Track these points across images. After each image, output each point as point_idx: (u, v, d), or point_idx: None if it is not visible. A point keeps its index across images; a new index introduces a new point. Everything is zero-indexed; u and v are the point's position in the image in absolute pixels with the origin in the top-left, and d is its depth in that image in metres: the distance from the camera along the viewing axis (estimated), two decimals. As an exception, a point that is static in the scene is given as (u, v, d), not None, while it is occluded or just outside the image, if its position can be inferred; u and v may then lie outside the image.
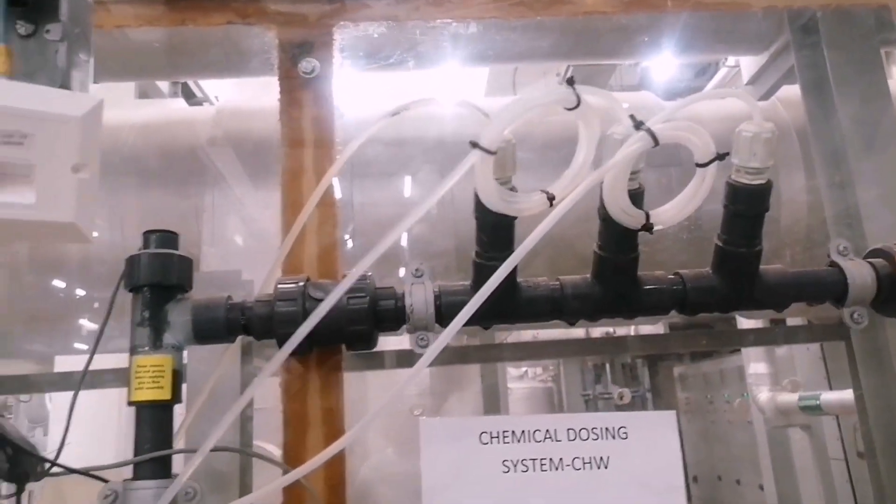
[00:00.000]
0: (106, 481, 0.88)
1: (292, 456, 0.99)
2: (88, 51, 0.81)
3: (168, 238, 0.95)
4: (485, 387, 4.08)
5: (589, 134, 0.83)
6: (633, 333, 4.86)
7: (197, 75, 1.63)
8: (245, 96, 2.30)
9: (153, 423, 0.89)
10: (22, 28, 0.80)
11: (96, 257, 2.07)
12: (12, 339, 2.10)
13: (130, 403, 0.90)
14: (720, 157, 0.85)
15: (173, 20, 1.10)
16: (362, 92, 1.61)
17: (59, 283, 2.02)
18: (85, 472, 0.89)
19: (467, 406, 4.59)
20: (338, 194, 1.14)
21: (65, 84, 0.75)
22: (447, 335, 0.84)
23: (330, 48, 1.13)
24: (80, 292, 2.08)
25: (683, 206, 0.88)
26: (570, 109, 0.80)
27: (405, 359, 2.84)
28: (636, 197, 0.87)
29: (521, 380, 7.89)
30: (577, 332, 5.51)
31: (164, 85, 3.24)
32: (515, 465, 0.99)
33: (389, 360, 1.57)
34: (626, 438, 1.00)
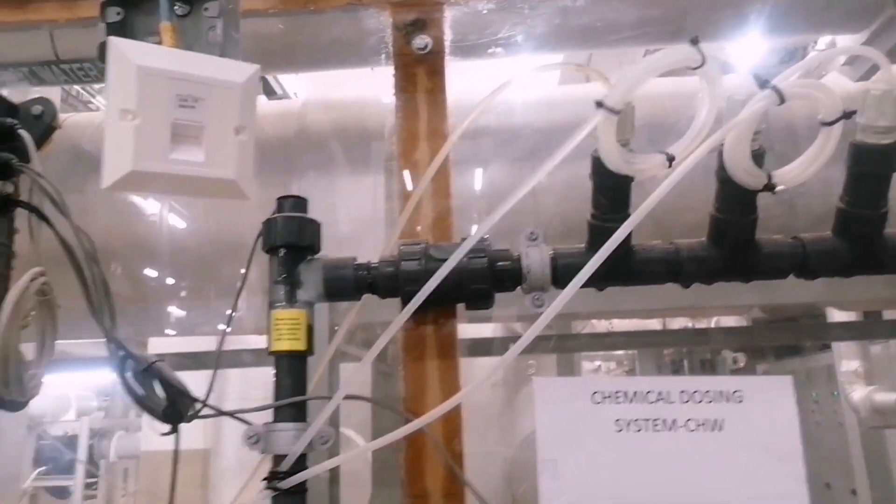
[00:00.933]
0: (250, 423, 0.95)
1: (411, 410, 1.04)
2: (238, 28, 0.89)
3: (300, 202, 1.02)
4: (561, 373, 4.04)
5: (712, 94, 0.84)
6: (713, 326, 4.72)
7: (310, 67, 1.72)
8: (323, 91, 2.41)
9: (291, 371, 0.96)
10: (179, 9, 0.88)
11: (182, 246, 2.21)
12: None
13: (270, 353, 0.97)
14: (847, 115, 0.84)
15: (298, 3, 1.18)
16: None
17: (150, 272, 2.16)
18: (232, 414, 0.97)
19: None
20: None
21: (223, 56, 0.82)
22: (567, 293, 0.87)
23: (441, 25, 1.18)
24: (170, 280, 2.23)
25: (807, 167, 0.87)
26: (694, 69, 0.81)
27: (480, 347, 2.88)
28: (758, 157, 0.87)
29: (595, 374, 7.80)
30: (654, 324, 5.39)
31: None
32: (628, 425, 1.01)
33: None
34: (741, 402, 1.01)
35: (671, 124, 0.99)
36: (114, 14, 0.84)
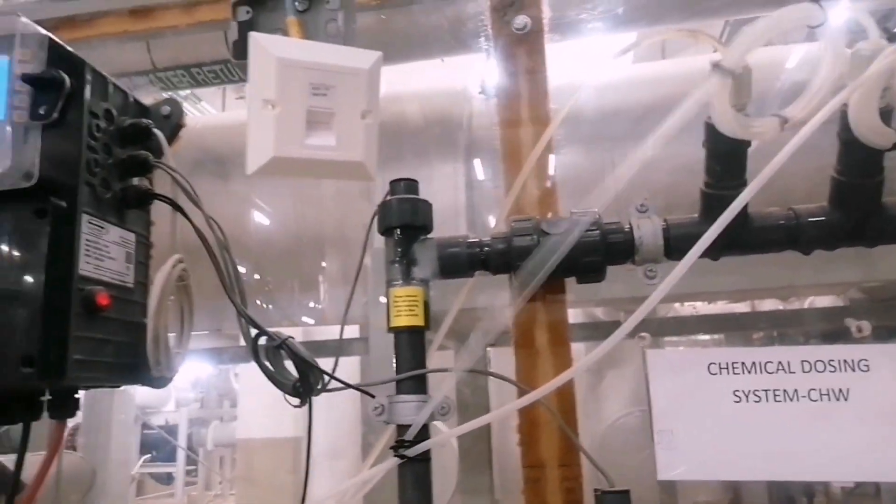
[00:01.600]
0: (373, 396, 1.01)
1: (524, 382, 1.07)
2: (354, 18, 0.93)
3: (412, 185, 1.06)
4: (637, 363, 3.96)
5: (834, 52, 0.82)
6: (807, 307, 4.49)
7: (407, 57, 1.77)
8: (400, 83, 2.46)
9: (411, 346, 1.01)
10: (300, 4, 0.94)
11: (267, 240, 2.30)
12: (204, 316, 2.38)
13: (390, 329, 1.02)
14: None
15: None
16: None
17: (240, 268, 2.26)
18: (357, 388, 1.02)
19: (626, 383, 4.50)
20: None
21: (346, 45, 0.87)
22: (685, 263, 0.87)
23: (539, 4, 1.19)
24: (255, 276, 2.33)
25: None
26: (813, 28, 0.80)
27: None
28: (885, 115, 0.85)
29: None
30: (741, 307, 5.19)
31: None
32: (747, 396, 1.00)
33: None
34: (867, 371, 0.98)
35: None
36: (244, 13, 0.90)
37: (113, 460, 4.44)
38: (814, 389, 0.99)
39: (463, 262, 1.03)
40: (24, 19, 0.96)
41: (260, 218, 2.34)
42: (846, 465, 0.97)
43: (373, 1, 1.23)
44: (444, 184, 2.13)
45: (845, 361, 0.99)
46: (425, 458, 0.97)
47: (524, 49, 1.18)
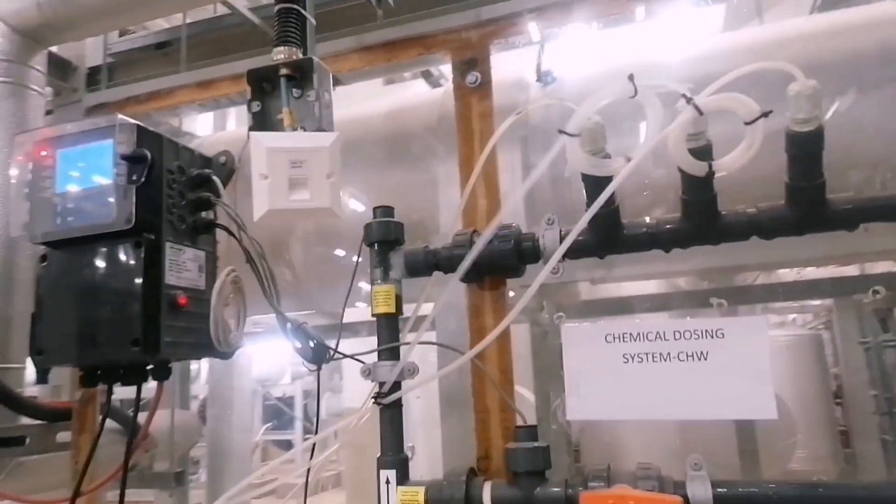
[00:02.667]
0: (363, 363, 1.43)
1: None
2: (329, 103, 1.34)
3: (388, 210, 1.46)
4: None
5: (652, 113, 1.14)
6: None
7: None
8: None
9: (387, 326, 1.42)
10: (295, 93, 1.35)
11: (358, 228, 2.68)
12: (310, 298, 2.72)
13: (373, 315, 1.43)
14: (765, 114, 1.09)
15: (384, 58, 1.61)
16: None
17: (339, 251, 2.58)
18: (353, 357, 1.45)
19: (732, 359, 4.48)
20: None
21: (320, 127, 1.28)
22: (551, 263, 1.22)
23: (487, 61, 1.55)
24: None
25: (740, 156, 1.14)
26: (632, 97, 1.12)
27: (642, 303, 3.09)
28: (704, 152, 1.15)
29: (782, 327, 7.39)
30: (851, 270, 5.01)
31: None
32: (633, 358, 1.34)
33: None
34: (722, 338, 1.29)
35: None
36: (255, 106, 1.33)
37: (235, 428, 5.20)
38: (682, 352, 1.31)
39: (422, 264, 1.42)
40: (120, 116, 1.44)
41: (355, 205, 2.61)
42: (706, 407, 1.29)
43: (354, 68, 1.62)
44: (503, 171, 2.40)
45: (706, 330, 1.30)
46: (397, 405, 1.39)
47: (476, 96, 1.54)
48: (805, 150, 1.13)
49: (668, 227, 1.27)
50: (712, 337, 1.30)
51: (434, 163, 2.17)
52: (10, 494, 1.66)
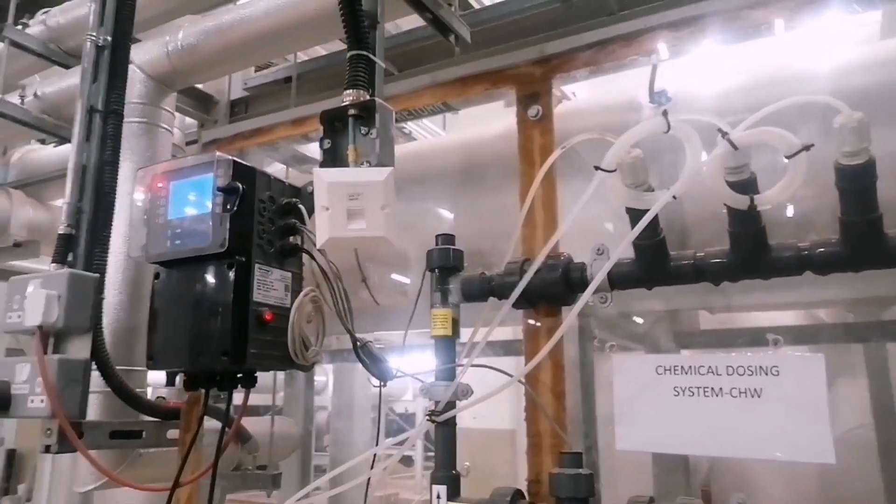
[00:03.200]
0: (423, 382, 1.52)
1: (529, 376, 1.50)
2: (390, 140, 1.45)
3: (448, 238, 1.55)
4: (871, 371, 3.58)
5: (691, 146, 1.14)
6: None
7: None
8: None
9: (444, 348, 1.50)
10: (362, 130, 1.48)
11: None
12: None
13: (432, 337, 1.52)
14: (806, 148, 1.07)
15: (447, 95, 1.71)
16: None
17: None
18: (413, 376, 1.54)
19: (858, 392, 4.06)
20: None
21: (380, 162, 1.40)
22: (587, 294, 1.24)
23: (549, 95, 1.60)
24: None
25: (784, 190, 1.11)
26: (665, 132, 1.13)
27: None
28: (749, 184, 1.13)
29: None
30: None
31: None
32: (683, 391, 1.33)
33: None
34: (777, 375, 1.25)
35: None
36: (326, 143, 1.47)
37: (356, 440, 5.51)
38: (734, 388, 1.28)
39: (476, 291, 1.49)
40: (218, 153, 1.65)
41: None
42: (757, 446, 1.25)
43: (428, 104, 1.73)
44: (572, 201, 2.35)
45: (760, 367, 1.27)
46: (451, 423, 1.46)
47: (538, 129, 1.60)
48: (854, 183, 1.09)
49: (714, 260, 1.25)
50: (766, 374, 1.27)
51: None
52: (129, 482, 1.91)
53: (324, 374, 6.51)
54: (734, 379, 1.29)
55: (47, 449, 1.70)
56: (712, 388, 1.30)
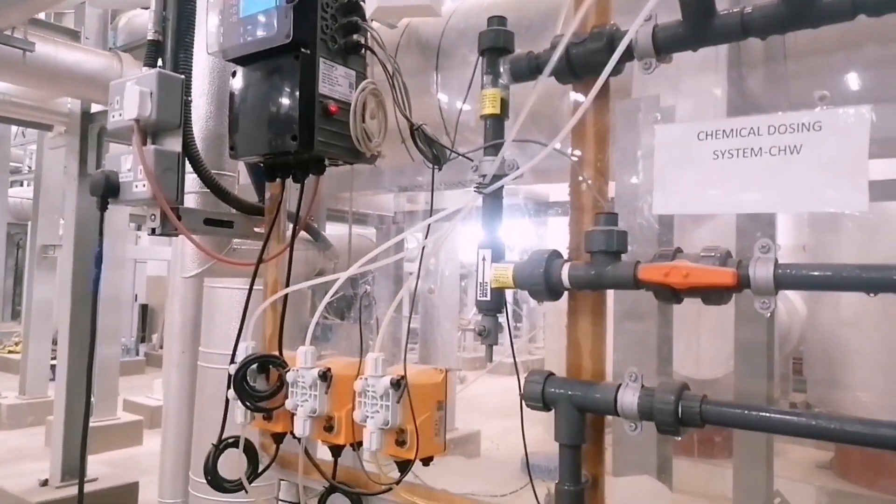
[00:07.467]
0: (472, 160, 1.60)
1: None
2: None
3: (501, 20, 1.57)
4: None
5: None
6: None
7: None
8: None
9: (493, 126, 1.56)
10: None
11: None
12: None
13: (482, 117, 1.59)
14: None
15: None
16: None
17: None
18: (464, 155, 1.63)
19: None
20: None
21: None
22: (614, 58, 1.25)
23: None
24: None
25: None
26: None
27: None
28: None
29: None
30: None
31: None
32: (723, 154, 1.33)
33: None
34: (819, 130, 1.24)
35: None
36: None
37: (443, 306, 5.79)
38: (774, 146, 1.28)
39: (525, 69, 1.52)
40: (282, -43, 1.71)
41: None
42: (793, 200, 1.27)
43: None
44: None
45: (802, 124, 1.25)
46: (498, 196, 1.55)
47: None
48: None
49: (762, 13, 1.22)
50: (808, 130, 1.25)
51: None
52: (227, 259, 2.19)
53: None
54: (775, 138, 1.28)
55: (153, 231, 1.95)
56: (752, 149, 1.30)
